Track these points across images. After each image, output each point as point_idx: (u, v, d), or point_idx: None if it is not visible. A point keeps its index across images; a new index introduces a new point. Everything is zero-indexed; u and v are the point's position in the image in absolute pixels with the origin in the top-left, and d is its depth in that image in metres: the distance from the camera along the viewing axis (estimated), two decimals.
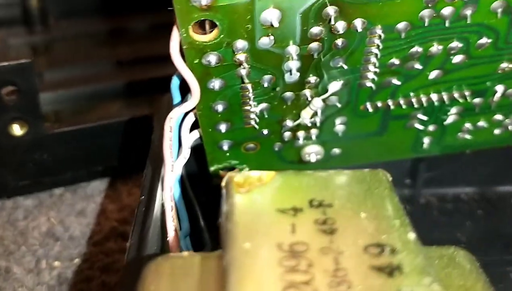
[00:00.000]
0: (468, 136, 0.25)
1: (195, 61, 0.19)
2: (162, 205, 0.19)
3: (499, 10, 0.19)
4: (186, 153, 0.21)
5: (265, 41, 0.19)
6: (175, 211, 0.19)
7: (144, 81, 0.35)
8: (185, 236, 0.20)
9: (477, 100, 0.23)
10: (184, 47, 0.19)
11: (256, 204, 0.14)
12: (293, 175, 0.15)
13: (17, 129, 0.28)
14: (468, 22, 0.20)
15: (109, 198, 0.30)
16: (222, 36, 0.19)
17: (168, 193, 0.19)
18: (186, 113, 0.22)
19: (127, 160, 0.31)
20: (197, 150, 0.24)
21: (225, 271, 0.12)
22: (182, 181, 0.23)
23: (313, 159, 0.25)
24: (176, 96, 0.21)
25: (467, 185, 0.31)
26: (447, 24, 0.20)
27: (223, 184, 0.15)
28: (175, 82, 0.20)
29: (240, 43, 0.19)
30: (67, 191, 0.30)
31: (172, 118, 0.19)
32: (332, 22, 0.19)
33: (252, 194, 0.15)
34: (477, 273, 0.15)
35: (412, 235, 0.13)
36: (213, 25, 0.19)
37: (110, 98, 0.35)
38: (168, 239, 0.19)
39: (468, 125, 0.25)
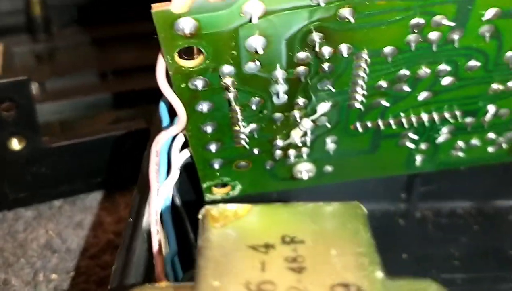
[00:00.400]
0: (461, 154, 0.25)
1: (182, 86, 0.19)
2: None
3: (487, 35, 0.19)
4: (175, 174, 0.22)
5: (251, 66, 0.19)
6: (162, 234, 0.20)
7: (144, 90, 0.35)
8: (172, 257, 0.20)
9: (468, 119, 0.23)
10: (170, 72, 0.19)
11: (229, 240, 0.14)
12: (269, 209, 0.16)
13: (15, 144, 0.28)
14: (456, 46, 0.20)
15: (107, 210, 0.30)
16: (208, 61, 0.19)
17: (154, 217, 0.19)
18: (177, 134, 0.22)
19: (125, 172, 0.31)
20: (191, 166, 0.24)
21: None
22: (173, 199, 0.23)
23: (305, 176, 0.25)
24: (165, 119, 0.21)
25: (464, 199, 0.30)
26: (434, 48, 0.19)
27: (200, 216, 0.16)
28: (163, 106, 0.20)
29: (226, 68, 0.19)
30: (66, 203, 0.31)
31: (158, 143, 0.20)
32: (317, 48, 0.19)
33: (226, 229, 0.15)
34: None
35: (379, 274, 0.13)
36: (199, 50, 0.19)
37: (108, 108, 0.35)
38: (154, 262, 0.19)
39: (461, 143, 0.25)
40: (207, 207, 0.16)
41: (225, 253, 0.14)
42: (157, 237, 0.19)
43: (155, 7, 0.17)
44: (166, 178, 0.21)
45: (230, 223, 0.15)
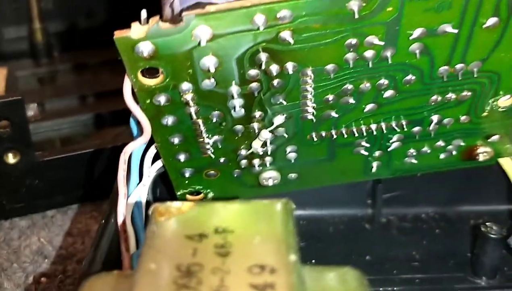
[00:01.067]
0: (414, 161, 0.27)
1: (147, 102, 0.22)
2: None
3: (417, 52, 0.21)
4: (146, 181, 0.24)
5: (207, 83, 0.22)
6: (132, 234, 0.22)
7: None
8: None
9: (415, 129, 0.25)
10: (135, 90, 0.22)
11: (169, 231, 0.17)
12: (208, 205, 0.18)
13: (11, 158, 0.31)
14: (390, 62, 0.22)
15: (94, 219, 0.33)
16: (167, 80, 0.21)
17: (121, 218, 0.21)
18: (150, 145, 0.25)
19: (112, 184, 0.34)
20: (166, 175, 0.27)
21: (131, 288, 0.15)
22: (149, 205, 0.25)
23: (270, 183, 0.27)
24: (135, 131, 0.23)
25: (427, 205, 0.32)
26: (370, 65, 0.22)
27: (149, 212, 0.18)
28: (132, 121, 0.23)
29: (185, 85, 0.22)
30: (58, 213, 0.33)
31: (126, 153, 0.22)
32: (264, 67, 0.21)
33: (168, 222, 0.17)
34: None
35: (293, 257, 0.15)
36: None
37: (104, 125, 0.38)
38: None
39: (412, 151, 0.27)
40: (156, 204, 0.18)
41: (164, 242, 0.16)
42: (123, 236, 0.21)
43: (117, 34, 0.19)
44: (137, 185, 0.24)
45: (173, 217, 0.17)
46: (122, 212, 0.21)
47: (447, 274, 0.28)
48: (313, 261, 0.29)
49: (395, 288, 0.28)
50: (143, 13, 0.20)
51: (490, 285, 0.28)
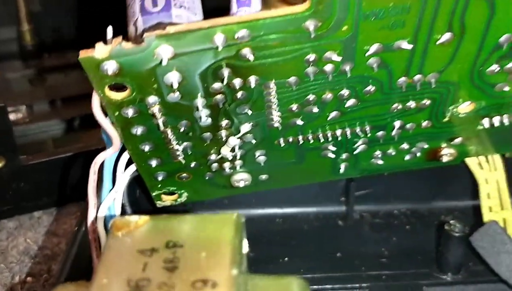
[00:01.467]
0: (380, 162, 0.28)
1: (116, 114, 0.23)
2: None
3: (375, 66, 0.22)
4: (119, 186, 0.25)
5: (172, 96, 0.22)
6: (104, 239, 0.23)
7: None
8: None
9: (379, 133, 0.26)
10: (103, 104, 0.22)
11: (123, 246, 0.18)
12: (163, 220, 0.19)
13: None
14: (349, 76, 0.22)
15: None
16: (134, 94, 0.22)
17: (91, 227, 0.22)
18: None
19: None
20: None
21: None
22: (124, 209, 0.27)
23: (241, 185, 0.28)
24: (106, 141, 0.24)
25: (400, 201, 0.33)
26: (330, 78, 0.22)
27: (109, 226, 0.19)
28: (104, 131, 0.24)
29: (152, 99, 0.22)
30: (44, 214, 0.35)
31: (96, 163, 0.23)
32: (227, 81, 0.22)
33: (124, 237, 0.18)
34: None
35: (234, 271, 0.17)
36: None
37: (90, 127, 0.39)
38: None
39: (378, 153, 0.28)
40: (116, 218, 0.19)
41: (118, 256, 0.17)
42: (94, 244, 0.22)
43: (81, 54, 0.20)
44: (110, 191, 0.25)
45: (129, 231, 0.18)
46: (92, 221, 0.22)
47: (413, 270, 0.29)
48: (286, 259, 0.30)
49: (362, 284, 0.29)
50: (109, 31, 0.21)
51: (455, 280, 0.29)
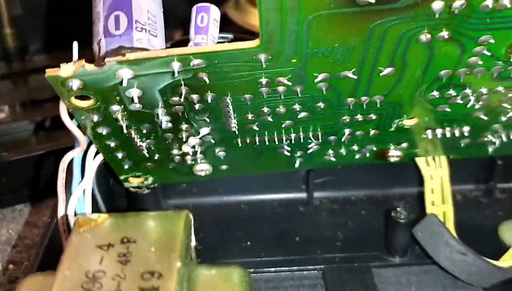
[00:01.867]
0: (333, 159, 0.30)
1: (82, 118, 0.24)
2: None
3: (324, 89, 0.24)
4: (89, 178, 0.27)
5: (135, 106, 0.24)
6: None
7: None
8: None
9: (331, 138, 0.28)
10: (70, 110, 0.24)
11: (84, 241, 0.20)
12: (120, 217, 0.21)
13: None
14: (300, 96, 0.24)
15: None
16: (98, 103, 0.23)
17: (61, 220, 0.24)
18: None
19: None
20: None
21: None
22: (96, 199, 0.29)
23: (203, 174, 0.30)
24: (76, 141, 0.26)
25: (357, 188, 0.35)
26: (282, 97, 0.24)
27: (72, 224, 0.21)
28: None
29: (115, 107, 0.24)
30: (26, 207, 0.37)
31: (65, 161, 0.25)
32: (184, 97, 0.23)
33: (85, 233, 0.21)
34: (245, 286, 0.21)
35: (179, 264, 0.19)
36: None
37: None
38: None
39: (330, 152, 0.30)
40: (78, 216, 0.21)
41: (79, 251, 0.20)
42: (64, 235, 0.24)
43: (48, 72, 0.22)
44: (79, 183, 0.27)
45: (90, 228, 0.21)
46: (61, 215, 0.25)
47: (365, 253, 0.32)
48: (248, 243, 0.33)
49: (316, 266, 0.31)
50: (75, 47, 0.22)
51: (402, 262, 0.31)
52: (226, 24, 0.30)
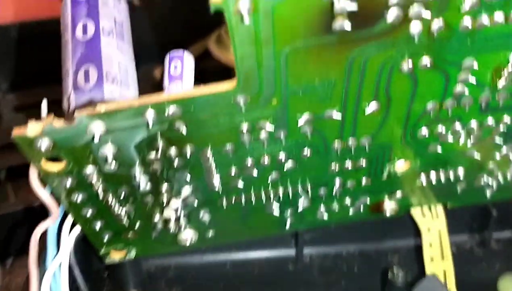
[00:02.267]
0: (325, 216, 0.29)
1: (54, 184, 0.23)
2: None
3: (308, 133, 0.23)
4: (64, 252, 0.25)
5: (109, 167, 0.23)
6: None
7: None
8: None
9: (321, 190, 0.27)
10: (41, 175, 0.22)
11: None
12: None
13: None
14: (284, 143, 0.23)
15: None
16: (71, 166, 0.22)
17: None
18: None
19: None
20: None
21: None
22: (72, 271, 0.27)
23: (188, 243, 0.28)
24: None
25: (348, 243, 0.33)
26: (265, 146, 0.23)
27: None
28: None
29: (89, 169, 0.22)
30: None
31: (37, 234, 0.23)
32: (161, 152, 0.22)
33: None
34: None
35: None
36: None
37: None
38: None
39: (322, 209, 0.28)
40: None
41: None
42: None
43: (15, 132, 0.20)
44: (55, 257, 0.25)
45: None
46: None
47: None
48: None
49: None
50: (44, 105, 0.21)
51: None
52: (208, 60, 0.29)
